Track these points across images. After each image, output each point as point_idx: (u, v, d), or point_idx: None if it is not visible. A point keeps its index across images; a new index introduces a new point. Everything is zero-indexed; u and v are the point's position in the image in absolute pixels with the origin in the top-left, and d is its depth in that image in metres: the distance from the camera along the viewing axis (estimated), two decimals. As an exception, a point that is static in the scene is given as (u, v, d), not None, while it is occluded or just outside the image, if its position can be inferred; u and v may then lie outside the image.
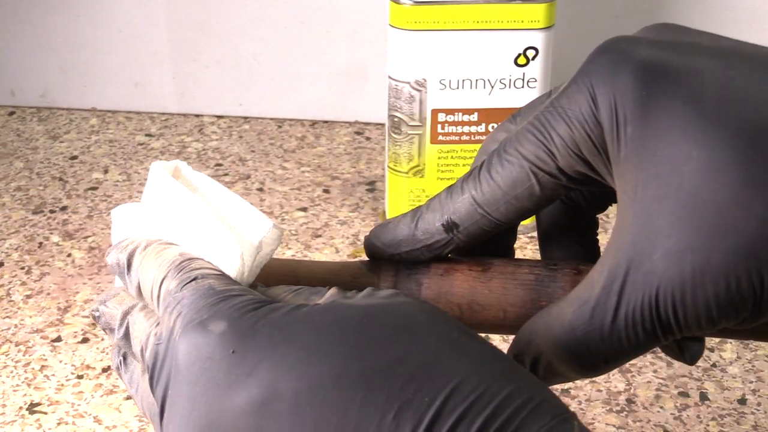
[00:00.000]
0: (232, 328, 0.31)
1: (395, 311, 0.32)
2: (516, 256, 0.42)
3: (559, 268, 0.38)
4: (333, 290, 0.34)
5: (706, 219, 0.31)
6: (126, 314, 0.36)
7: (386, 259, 0.39)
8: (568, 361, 0.35)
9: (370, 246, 0.40)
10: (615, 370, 0.62)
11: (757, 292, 0.31)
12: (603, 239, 0.41)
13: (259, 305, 0.32)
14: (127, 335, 0.36)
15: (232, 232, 0.37)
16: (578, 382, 0.61)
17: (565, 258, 0.40)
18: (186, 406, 0.31)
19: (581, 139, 0.34)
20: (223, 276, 0.35)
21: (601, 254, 0.34)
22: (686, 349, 0.37)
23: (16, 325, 0.67)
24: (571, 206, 0.40)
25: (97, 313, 0.38)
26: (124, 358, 0.37)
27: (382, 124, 0.93)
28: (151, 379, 0.33)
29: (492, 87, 0.70)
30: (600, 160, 0.34)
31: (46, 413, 0.59)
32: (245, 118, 0.96)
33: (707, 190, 0.31)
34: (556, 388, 0.61)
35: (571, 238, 0.40)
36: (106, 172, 0.87)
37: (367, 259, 0.41)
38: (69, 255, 0.74)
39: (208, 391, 0.31)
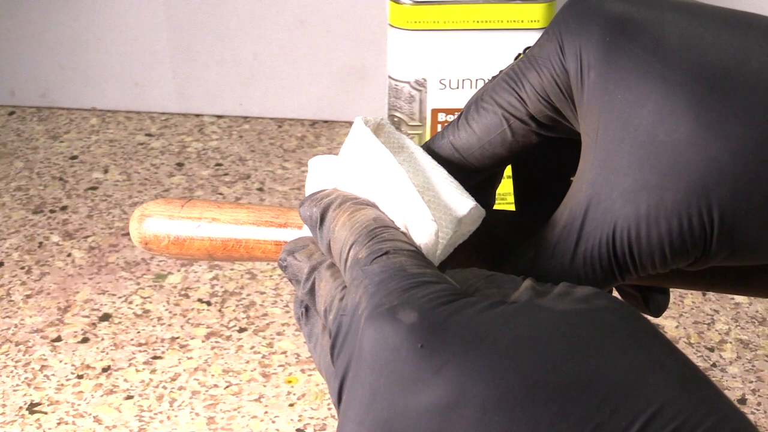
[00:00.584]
0: (422, 321, 0.30)
1: (595, 319, 0.30)
2: None
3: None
4: (528, 282, 0.32)
5: (662, 159, 0.32)
6: (313, 269, 0.35)
7: None
8: None
9: None
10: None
11: (707, 231, 0.32)
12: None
13: (452, 298, 0.30)
14: (312, 291, 0.35)
15: (431, 205, 0.35)
16: (578, 382, 0.61)
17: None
18: (367, 396, 0.30)
19: (549, 85, 0.36)
20: (415, 253, 0.33)
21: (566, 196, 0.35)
22: (651, 300, 0.38)
23: (16, 325, 0.67)
24: (546, 167, 0.41)
25: (284, 263, 0.37)
26: (306, 310, 0.36)
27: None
28: (332, 348, 0.32)
29: (492, 87, 0.70)
30: (566, 105, 0.35)
31: (46, 413, 0.59)
32: (245, 117, 0.96)
33: (663, 131, 0.32)
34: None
35: (547, 200, 0.41)
36: (106, 171, 0.87)
37: None
38: (69, 255, 0.74)
39: (392, 384, 0.29)
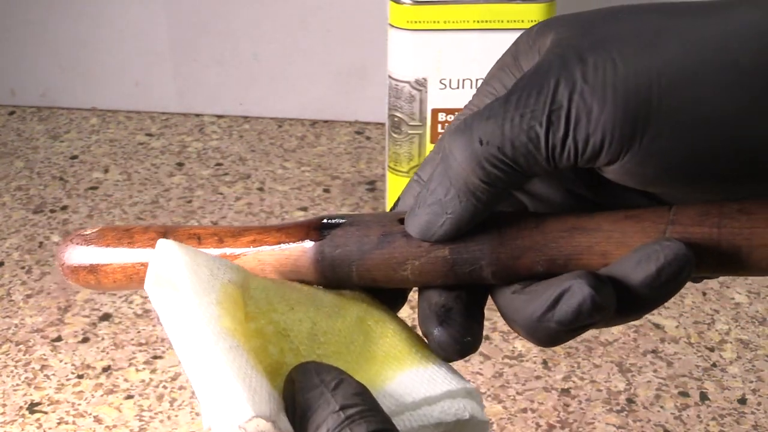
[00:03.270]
0: None
1: None
2: None
3: None
4: None
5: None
6: None
7: None
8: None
9: None
10: (615, 370, 0.62)
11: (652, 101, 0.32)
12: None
13: None
14: None
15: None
16: (578, 382, 0.61)
17: None
18: None
19: (503, 64, 0.37)
20: None
21: None
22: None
23: (16, 325, 0.67)
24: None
25: None
26: None
27: (382, 124, 0.93)
28: None
29: (492, 87, 0.70)
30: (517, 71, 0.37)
31: (46, 413, 0.59)
32: (245, 117, 0.96)
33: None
34: (556, 387, 0.61)
35: None
36: (106, 171, 0.87)
37: None
38: (69, 255, 0.74)
39: None
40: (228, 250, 0.37)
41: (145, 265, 0.38)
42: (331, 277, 0.36)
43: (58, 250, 0.41)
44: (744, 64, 0.31)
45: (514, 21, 0.68)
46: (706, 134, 0.31)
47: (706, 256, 0.33)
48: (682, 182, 0.33)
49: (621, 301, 0.33)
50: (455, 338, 0.35)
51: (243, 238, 0.37)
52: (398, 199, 0.39)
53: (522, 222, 0.35)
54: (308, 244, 0.36)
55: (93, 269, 0.40)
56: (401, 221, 0.36)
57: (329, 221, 0.37)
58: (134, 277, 0.39)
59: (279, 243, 0.37)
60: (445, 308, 0.35)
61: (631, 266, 0.32)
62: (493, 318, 0.61)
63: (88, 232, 0.41)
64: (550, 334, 0.33)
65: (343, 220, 0.36)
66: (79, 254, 0.40)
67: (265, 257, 0.37)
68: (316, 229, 0.36)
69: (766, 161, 0.32)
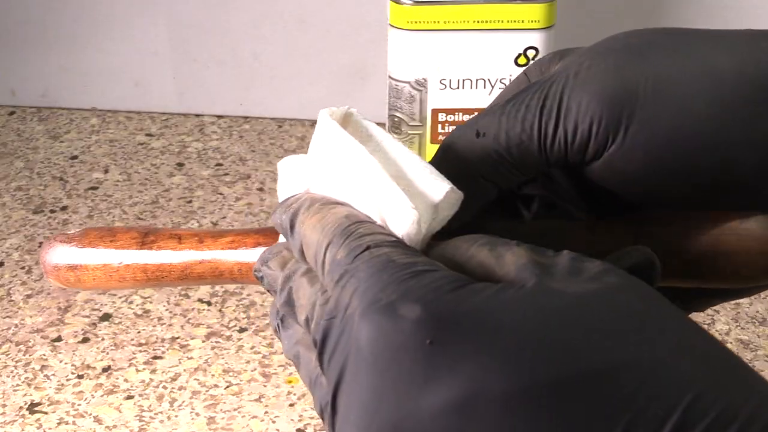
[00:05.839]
0: (428, 314, 0.27)
1: (613, 301, 0.28)
2: None
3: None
4: (528, 254, 0.30)
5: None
6: (288, 278, 0.33)
7: None
8: None
9: None
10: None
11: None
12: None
13: (455, 285, 0.28)
14: (289, 300, 0.33)
15: (407, 192, 0.32)
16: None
17: None
18: (372, 400, 0.27)
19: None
20: (398, 243, 0.30)
21: None
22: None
23: (16, 325, 0.67)
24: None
25: (259, 274, 0.35)
26: (282, 321, 0.34)
27: (383, 124, 0.93)
28: (321, 355, 0.30)
29: (492, 87, 0.70)
30: None
31: (46, 413, 0.59)
32: (245, 117, 0.96)
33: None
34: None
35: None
36: (106, 171, 0.87)
37: None
38: (69, 255, 0.74)
39: (399, 385, 0.27)
40: (208, 252, 0.39)
41: (124, 265, 0.39)
42: None
43: (41, 250, 0.42)
44: (725, 72, 0.33)
45: (514, 21, 0.68)
46: (686, 133, 0.33)
47: (671, 258, 0.34)
48: (661, 180, 0.34)
49: None
50: None
51: (222, 239, 0.38)
52: None
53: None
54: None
55: (73, 267, 0.40)
56: None
57: None
58: (114, 276, 0.40)
59: (257, 245, 0.38)
60: None
61: None
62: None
63: (71, 231, 0.41)
64: None
65: None
66: (60, 253, 0.41)
67: (243, 257, 0.38)
68: None
69: (739, 171, 0.33)
